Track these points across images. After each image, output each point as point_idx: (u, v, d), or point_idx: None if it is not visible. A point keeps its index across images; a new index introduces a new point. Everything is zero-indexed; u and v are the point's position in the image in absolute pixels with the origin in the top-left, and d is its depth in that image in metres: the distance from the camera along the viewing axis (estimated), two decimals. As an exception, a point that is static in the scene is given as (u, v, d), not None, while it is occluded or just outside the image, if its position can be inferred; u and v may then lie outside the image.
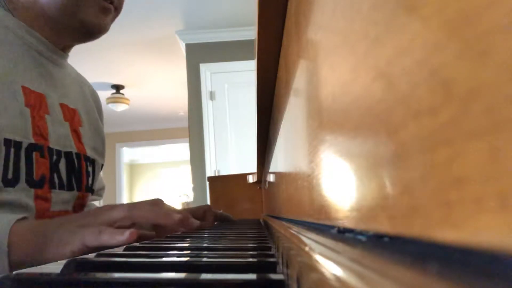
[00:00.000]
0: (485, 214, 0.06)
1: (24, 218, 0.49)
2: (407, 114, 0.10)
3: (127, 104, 4.23)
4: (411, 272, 0.08)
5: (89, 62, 3.41)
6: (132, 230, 0.44)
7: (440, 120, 0.08)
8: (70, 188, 0.67)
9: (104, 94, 4.13)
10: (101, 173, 0.86)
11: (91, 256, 0.31)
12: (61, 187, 0.64)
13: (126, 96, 4.16)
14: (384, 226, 0.11)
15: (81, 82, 0.81)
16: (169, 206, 0.58)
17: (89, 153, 0.74)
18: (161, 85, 4.03)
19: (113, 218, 0.49)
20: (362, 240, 0.14)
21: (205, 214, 0.79)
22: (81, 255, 0.47)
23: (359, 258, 0.11)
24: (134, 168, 8.05)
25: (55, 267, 0.28)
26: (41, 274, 0.24)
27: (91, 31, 0.67)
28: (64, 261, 0.27)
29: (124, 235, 0.43)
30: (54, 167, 0.63)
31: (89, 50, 3.17)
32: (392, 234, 0.11)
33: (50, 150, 0.63)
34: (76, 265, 0.26)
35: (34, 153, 0.59)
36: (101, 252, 0.37)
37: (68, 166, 0.67)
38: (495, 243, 0.06)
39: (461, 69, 0.07)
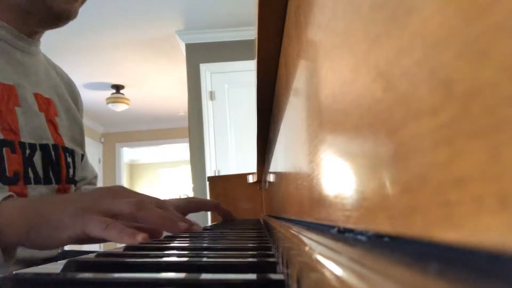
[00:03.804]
0: (485, 214, 0.06)
1: (9, 197, 0.46)
2: (407, 114, 0.10)
3: (127, 104, 4.23)
4: (411, 272, 0.08)
5: (89, 62, 3.41)
6: (144, 235, 0.42)
7: (440, 120, 0.08)
8: (47, 182, 0.65)
9: (104, 94, 4.13)
10: (91, 162, 0.85)
11: (91, 256, 0.31)
12: (37, 181, 0.62)
13: (126, 96, 4.16)
14: (384, 226, 0.11)
15: (55, 71, 0.78)
16: (174, 207, 0.57)
17: (67, 143, 0.71)
18: (161, 85, 4.03)
19: (117, 210, 0.46)
20: (362, 240, 0.14)
21: (218, 205, 0.81)
22: (79, 241, 0.45)
23: (359, 258, 0.11)
24: (134, 168, 8.05)
25: (55, 267, 0.28)
26: (41, 274, 0.24)
27: (59, 17, 0.64)
28: (64, 261, 0.27)
29: (136, 239, 0.41)
30: (28, 162, 0.61)
31: (89, 50, 3.17)
32: (392, 234, 0.11)
33: (22, 144, 0.61)
34: (76, 265, 0.26)
35: (4, 149, 0.57)
36: (101, 252, 0.37)
37: (45, 159, 0.65)
38: (495, 243, 0.06)
39: (461, 69, 0.07)
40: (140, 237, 0.41)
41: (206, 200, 0.80)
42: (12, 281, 0.22)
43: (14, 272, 0.23)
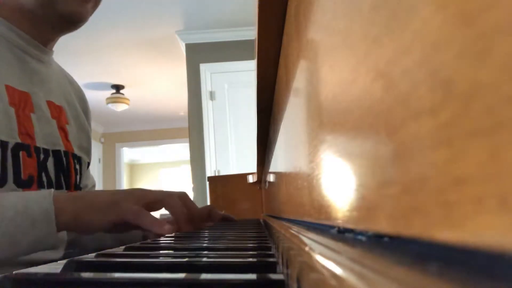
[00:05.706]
0: (485, 214, 0.06)
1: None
2: (407, 114, 0.10)
3: (127, 104, 4.23)
4: (411, 272, 0.08)
5: (89, 62, 3.41)
6: (170, 226, 0.51)
7: (440, 120, 0.08)
8: (59, 187, 0.67)
9: (104, 94, 4.13)
10: (90, 171, 0.86)
11: (91, 256, 0.31)
12: (50, 186, 0.64)
13: (126, 96, 4.16)
14: (384, 226, 0.11)
15: (66, 79, 0.80)
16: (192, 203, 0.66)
17: (76, 151, 0.73)
18: (161, 85, 4.03)
19: (150, 198, 0.56)
20: (362, 240, 0.14)
21: (210, 213, 0.82)
22: (117, 228, 0.54)
23: (359, 258, 0.11)
24: (134, 168, 8.05)
25: (55, 267, 0.28)
26: (41, 274, 0.24)
27: (71, 20, 0.65)
28: (64, 261, 0.27)
29: (163, 229, 0.50)
30: (42, 166, 0.63)
31: (89, 50, 3.17)
32: (392, 234, 0.11)
33: (37, 149, 0.62)
34: (76, 265, 0.27)
35: (21, 153, 0.59)
36: (101, 252, 0.37)
37: (57, 165, 0.67)
38: (495, 243, 0.06)
39: (461, 69, 0.07)
40: (167, 227, 0.50)
41: (202, 207, 0.84)
42: (12, 281, 0.22)
43: (14, 272, 0.23)
